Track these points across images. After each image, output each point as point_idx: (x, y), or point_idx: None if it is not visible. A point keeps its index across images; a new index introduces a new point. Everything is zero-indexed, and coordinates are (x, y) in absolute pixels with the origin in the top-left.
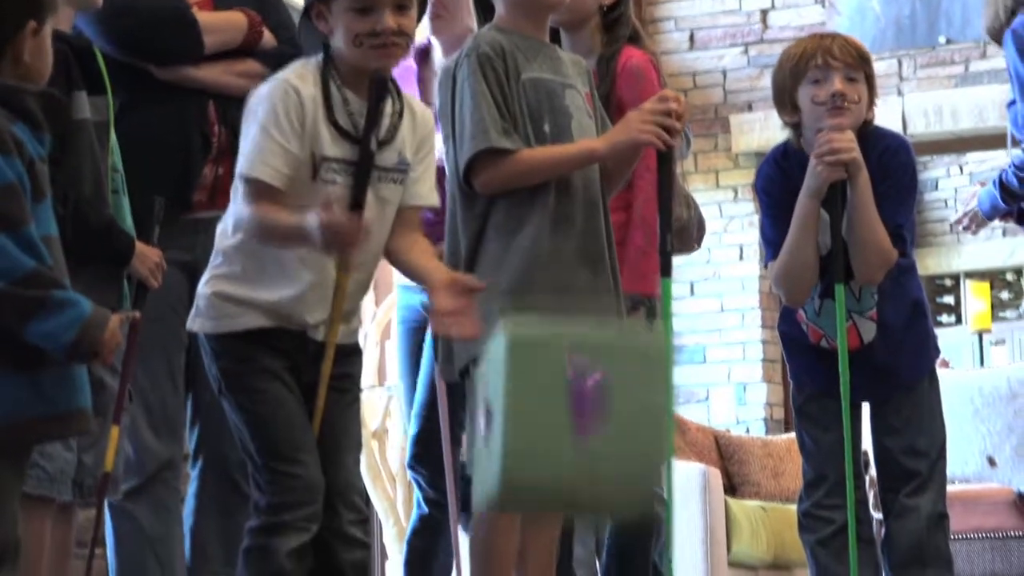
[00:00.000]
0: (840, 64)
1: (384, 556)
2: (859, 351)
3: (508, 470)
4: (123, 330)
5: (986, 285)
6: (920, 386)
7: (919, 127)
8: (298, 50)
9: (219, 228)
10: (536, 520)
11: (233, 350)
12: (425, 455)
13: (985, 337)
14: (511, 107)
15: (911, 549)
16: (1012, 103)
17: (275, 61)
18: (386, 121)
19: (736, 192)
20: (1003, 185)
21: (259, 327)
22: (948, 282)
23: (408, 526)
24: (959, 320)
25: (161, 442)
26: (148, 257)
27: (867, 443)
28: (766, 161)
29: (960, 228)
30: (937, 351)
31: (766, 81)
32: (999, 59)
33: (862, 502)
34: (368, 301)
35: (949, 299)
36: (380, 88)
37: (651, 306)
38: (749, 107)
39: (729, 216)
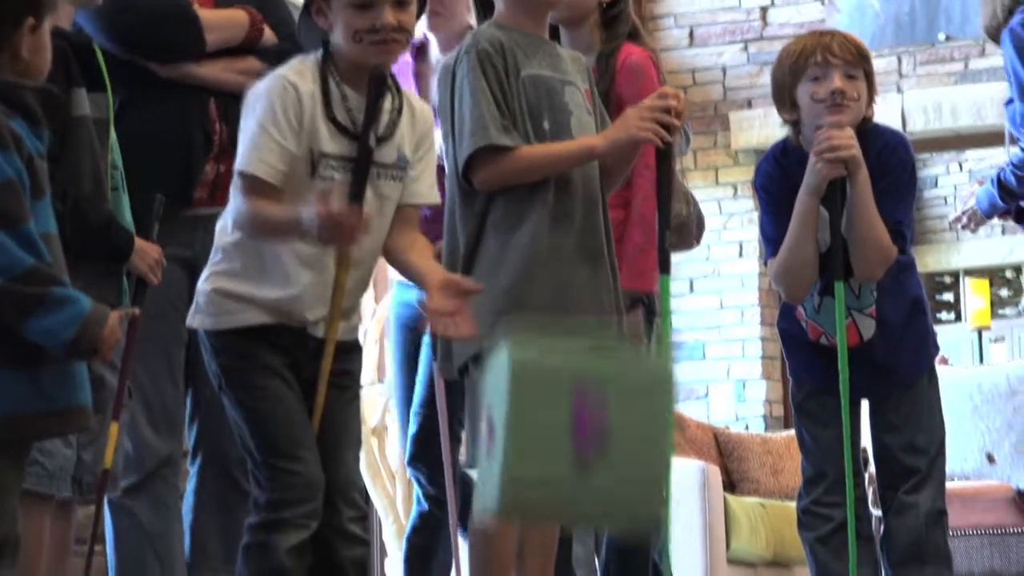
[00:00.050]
0: (839, 61)
1: (383, 553)
2: (858, 348)
3: (508, 493)
4: (122, 327)
5: (985, 282)
6: (919, 383)
7: (918, 124)
8: (298, 47)
9: (219, 225)
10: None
11: (233, 347)
12: (424, 453)
13: (984, 334)
14: (510, 104)
15: (910, 546)
16: (1010, 101)
17: (276, 59)
18: (385, 117)
19: (736, 189)
20: (1001, 184)
21: (259, 324)
22: (947, 279)
23: (407, 523)
24: (958, 317)
25: (161, 438)
26: (147, 253)
27: (866, 440)
28: (765, 158)
29: (959, 227)
30: (936, 348)
31: (766, 78)
32: (998, 56)
33: (861, 499)
34: (368, 298)
35: (948, 296)
36: (379, 84)
37: (650, 303)
38: (749, 104)
39: (728, 213)
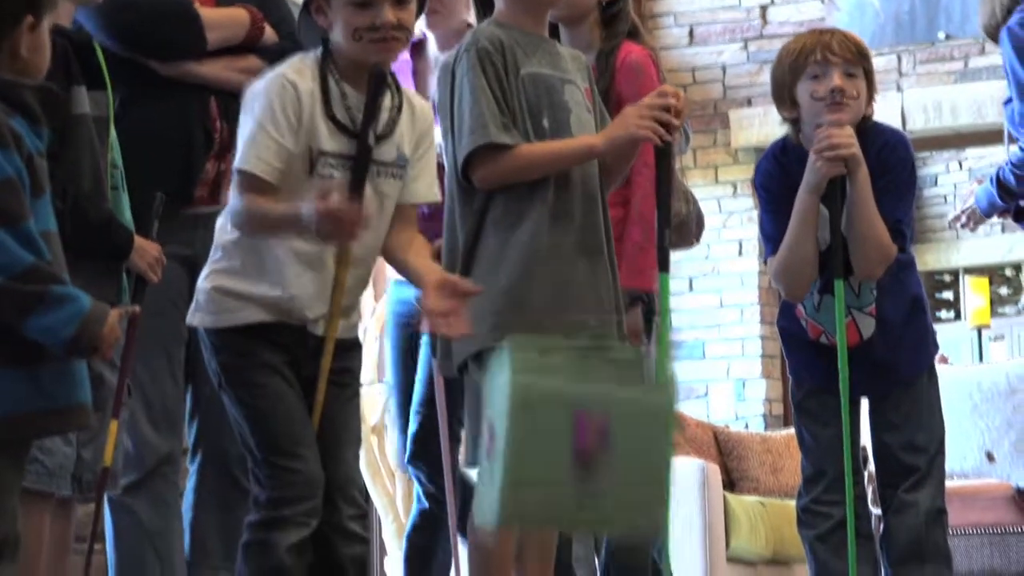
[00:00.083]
0: (839, 60)
1: (383, 552)
2: (858, 347)
3: (507, 507)
4: (122, 325)
5: (985, 281)
6: (919, 382)
7: (918, 123)
8: (299, 46)
9: (219, 223)
10: None
11: (233, 345)
12: (424, 451)
13: (984, 333)
14: (510, 102)
15: (910, 545)
16: (1008, 101)
17: (276, 57)
18: (385, 115)
19: (735, 187)
20: (1000, 183)
21: (259, 322)
22: (947, 278)
23: (407, 522)
24: (958, 316)
25: (161, 436)
26: (147, 251)
27: (866, 439)
28: (765, 157)
29: (958, 226)
30: (936, 347)
31: (765, 77)
32: (998, 55)
33: (861, 498)
34: (368, 296)
35: (948, 295)
36: (378, 82)
37: (649, 302)
38: (748, 103)
39: (728, 211)
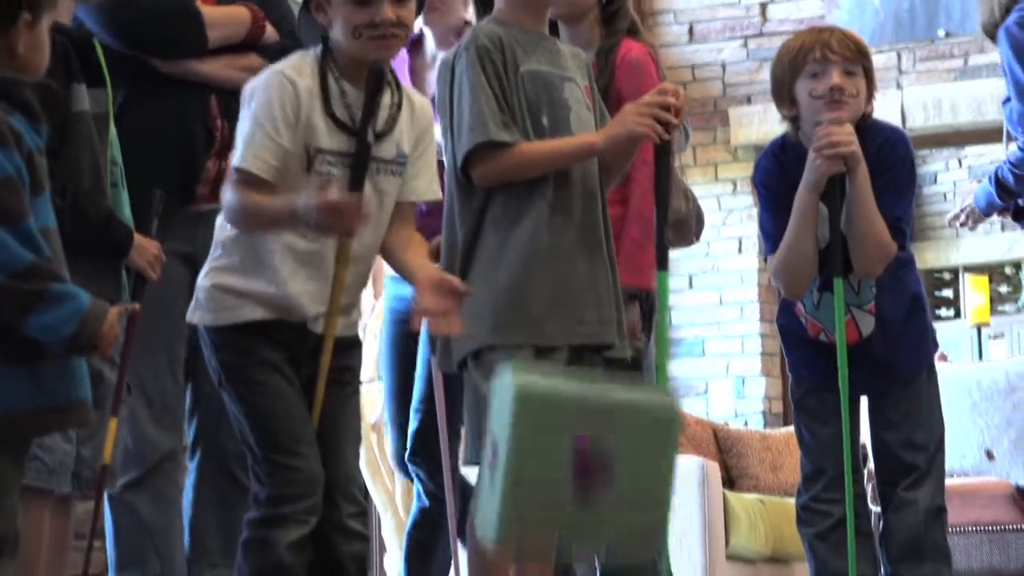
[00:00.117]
0: (838, 58)
1: (383, 549)
2: (858, 345)
3: (507, 526)
4: (121, 323)
5: (985, 279)
6: (918, 380)
7: (918, 120)
8: (299, 44)
9: (218, 220)
10: None
11: (233, 342)
12: (424, 449)
13: (984, 331)
14: (509, 100)
15: (909, 542)
16: (1007, 100)
17: (277, 55)
18: (384, 113)
19: (735, 185)
20: (999, 182)
21: (259, 319)
22: (947, 276)
23: (407, 519)
24: (958, 314)
25: (162, 433)
26: (146, 249)
27: (865, 437)
28: (764, 155)
29: (957, 224)
30: (935, 345)
31: (765, 74)
32: (998, 53)
33: (860, 496)
34: (367, 294)
35: (948, 293)
36: (377, 80)
37: (647, 299)
38: (748, 100)
39: (728, 209)
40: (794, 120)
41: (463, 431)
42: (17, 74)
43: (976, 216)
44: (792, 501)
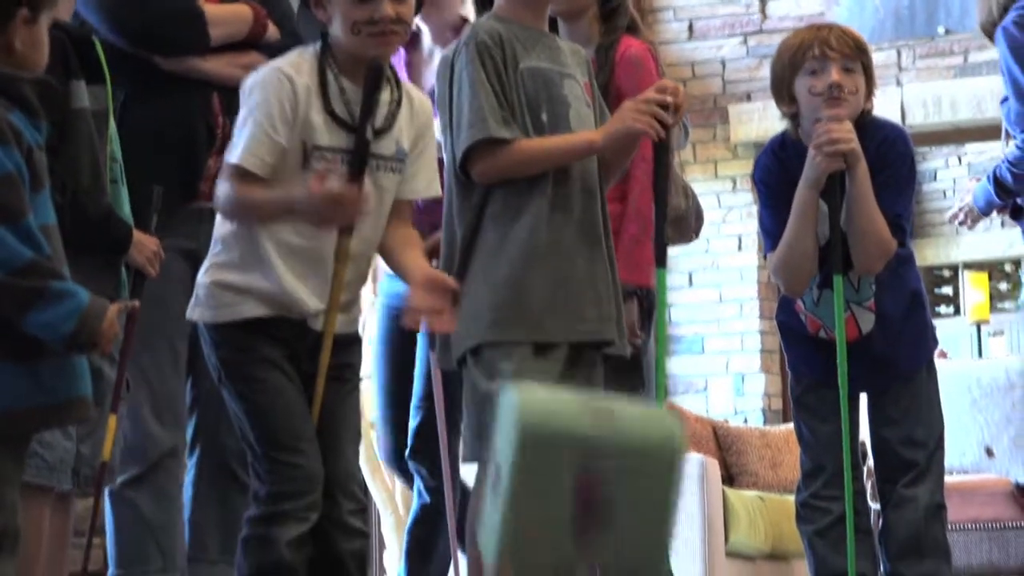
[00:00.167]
0: (837, 55)
1: (382, 546)
2: (857, 342)
3: (505, 556)
4: (121, 320)
5: (984, 276)
6: (918, 377)
7: (918, 118)
8: (300, 42)
9: (218, 216)
10: None
11: (233, 339)
12: (425, 446)
13: (983, 328)
14: (509, 96)
15: (909, 540)
16: (1005, 99)
17: (278, 54)
18: (384, 109)
19: (735, 182)
20: (997, 181)
21: (258, 316)
22: (946, 273)
23: (406, 516)
24: (957, 311)
25: (165, 430)
26: (145, 246)
27: (865, 434)
28: (764, 152)
29: (956, 223)
30: (935, 342)
31: (765, 71)
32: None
33: (860, 493)
34: (368, 291)
35: (947, 290)
36: (376, 76)
37: (645, 296)
38: (748, 97)
39: (728, 206)
40: (794, 117)
41: (463, 428)
42: (15, 71)
43: (975, 215)
44: (792, 498)
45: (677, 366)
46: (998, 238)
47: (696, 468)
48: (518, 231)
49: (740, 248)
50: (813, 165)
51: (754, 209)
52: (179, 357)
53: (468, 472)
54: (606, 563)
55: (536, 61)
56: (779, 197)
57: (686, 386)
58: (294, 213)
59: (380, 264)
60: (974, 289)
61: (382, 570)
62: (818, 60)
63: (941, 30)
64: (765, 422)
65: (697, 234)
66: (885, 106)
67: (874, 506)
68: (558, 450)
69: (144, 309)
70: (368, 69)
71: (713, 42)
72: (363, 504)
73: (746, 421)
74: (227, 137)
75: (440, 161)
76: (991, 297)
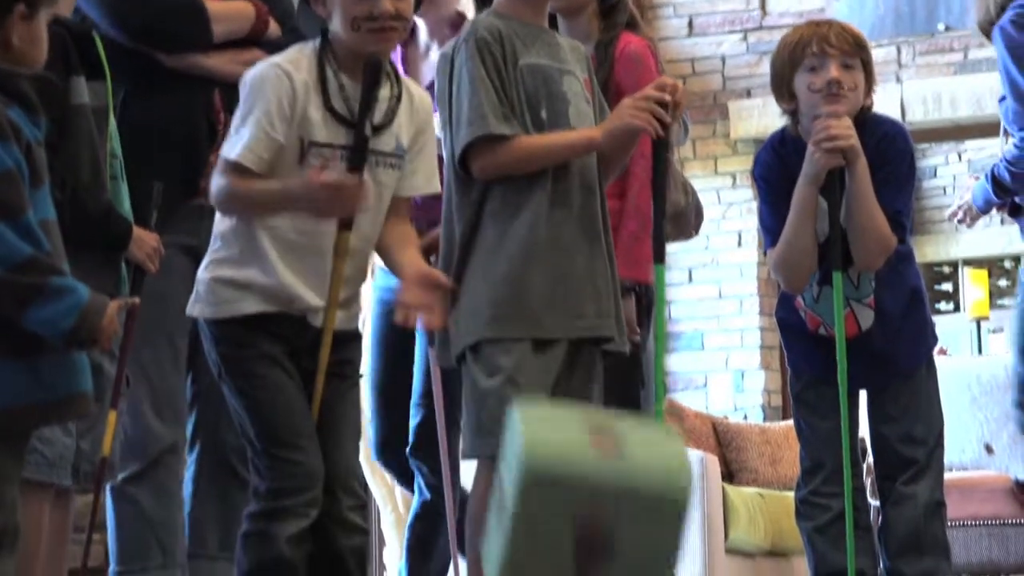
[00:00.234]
0: (836, 51)
1: (382, 543)
2: (857, 338)
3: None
4: (121, 316)
5: (984, 273)
6: (918, 374)
7: (918, 114)
8: (301, 39)
9: (218, 213)
10: None
11: (233, 336)
12: (426, 443)
13: (983, 325)
14: (509, 93)
15: (908, 537)
16: (1003, 98)
17: (279, 51)
18: (384, 105)
19: (735, 178)
20: (995, 179)
21: (258, 312)
22: (946, 270)
23: (406, 513)
24: (957, 308)
25: (165, 426)
26: (145, 242)
27: (864, 431)
28: (764, 148)
29: (955, 221)
30: (935, 339)
31: (765, 68)
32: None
33: (859, 490)
34: (367, 287)
35: (947, 287)
36: (375, 72)
37: (644, 293)
38: (748, 94)
39: (727, 202)
40: (793, 114)
41: (462, 425)
42: (13, 67)
43: (974, 214)
44: (791, 495)
45: (677, 362)
46: (998, 235)
47: (696, 465)
48: (517, 227)
49: (740, 244)
50: (812, 161)
51: (754, 205)
52: (179, 353)
53: (468, 470)
54: None
55: (536, 57)
56: (779, 193)
57: (686, 382)
58: (292, 204)
59: (375, 259)
60: (974, 286)
61: (382, 567)
62: (817, 57)
63: (941, 27)
64: (765, 419)
65: (697, 230)
66: (885, 103)
67: (874, 503)
68: (562, 493)
69: (145, 305)
70: (367, 65)
71: (713, 38)
72: (363, 500)
73: (746, 418)
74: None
75: (440, 158)
76: (991, 294)
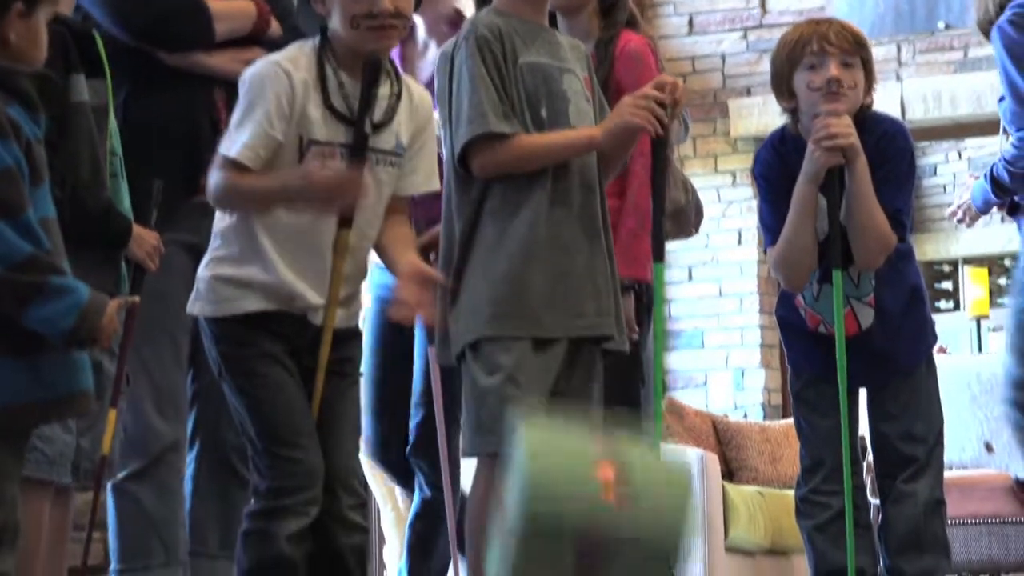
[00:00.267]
0: (836, 50)
1: (382, 541)
2: (857, 337)
3: None
4: (120, 315)
5: (984, 271)
6: (917, 372)
7: (918, 113)
8: (301, 36)
9: (218, 211)
10: None
11: (233, 334)
12: (427, 442)
13: (983, 323)
14: (509, 91)
15: (908, 535)
16: (1003, 98)
17: (280, 49)
18: (384, 103)
19: (735, 177)
20: (994, 179)
21: (259, 310)
22: (946, 268)
23: (406, 511)
24: (957, 306)
25: (167, 424)
26: (145, 240)
27: (864, 429)
28: (763, 146)
29: (955, 221)
30: (935, 337)
31: (765, 66)
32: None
33: (859, 488)
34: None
35: (947, 285)
36: (374, 70)
37: (643, 291)
38: (748, 92)
39: (727, 201)
40: (793, 112)
41: (462, 423)
42: (13, 64)
43: (973, 214)
44: (791, 493)
45: (677, 361)
46: (998, 233)
47: (696, 463)
48: (517, 226)
49: (740, 243)
50: (812, 160)
51: (754, 204)
52: (181, 351)
53: (468, 469)
54: None
55: (536, 56)
56: (779, 192)
57: (686, 381)
58: (291, 199)
59: (371, 256)
60: (974, 284)
61: (382, 565)
62: (817, 55)
63: (941, 25)
64: (765, 417)
65: (697, 229)
66: (885, 101)
67: (874, 501)
68: (564, 533)
69: (146, 303)
70: (367, 63)
71: (713, 37)
72: (363, 499)
73: (746, 416)
74: None
75: (439, 156)
76: (991, 292)
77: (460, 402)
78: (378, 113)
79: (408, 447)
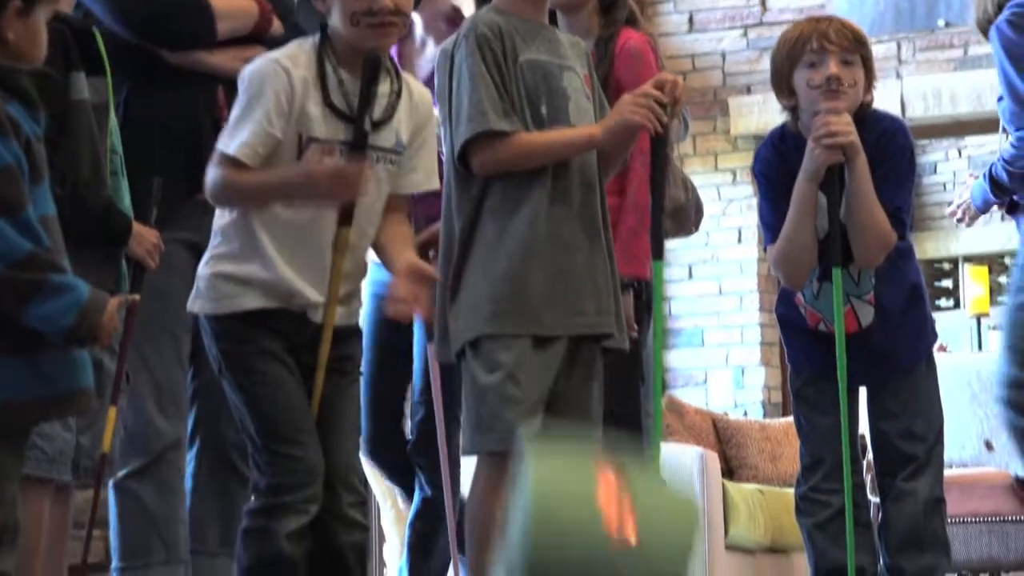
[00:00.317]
0: (836, 47)
1: (382, 539)
2: (857, 335)
3: None
4: (120, 313)
5: (984, 269)
6: (918, 370)
7: (918, 111)
8: (301, 34)
9: (218, 209)
10: None
11: (233, 331)
12: (427, 440)
13: (983, 321)
14: (509, 89)
15: (908, 533)
16: (1002, 98)
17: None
18: (383, 101)
19: (735, 175)
20: (993, 179)
21: (258, 308)
22: (946, 266)
23: (406, 509)
24: (957, 304)
25: (168, 421)
26: (145, 238)
27: (864, 427)
28: (764, 144)
29: (955, 220)
30: (935, 335)
31: (765, 64)
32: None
33: (859, 486)
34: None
35: (947, 283)
36: (373, 67)
37: (643, 289)
38: (748, 90)
39: (728, 199)
40: (793, 110)
41: (462, 421)
42: (11, 63)
43: (972, 213)
44: (791, 491)
45: (677, 359)
46: (998, 231)
47: (695, 461)
48: (517, 224)
49: (740, 241)
50: (812, 158)
51: (754, 202)
52: (181, 349)
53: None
54: None
55: (536, 54)
56: (779, 190)
57: (686, 379)
58: (291, 193)
59: (368, 253)
60: (974, 282)
61: (382, 563)
62: (816, 53)
63: (941, 23)
64: (765, 415)
65: (697, 227)
66: (885, 99)
67: (874, 499)
68: (567, 559)
69: (147, 301)
70: (366, 60)
71: (713, 34)
72: (363, 497)
73: (746, 414)
74: None
75: (439, 154)
76: (991, 290)
77: (460, 400)
78: (378, 111)
79: (408, 446)
